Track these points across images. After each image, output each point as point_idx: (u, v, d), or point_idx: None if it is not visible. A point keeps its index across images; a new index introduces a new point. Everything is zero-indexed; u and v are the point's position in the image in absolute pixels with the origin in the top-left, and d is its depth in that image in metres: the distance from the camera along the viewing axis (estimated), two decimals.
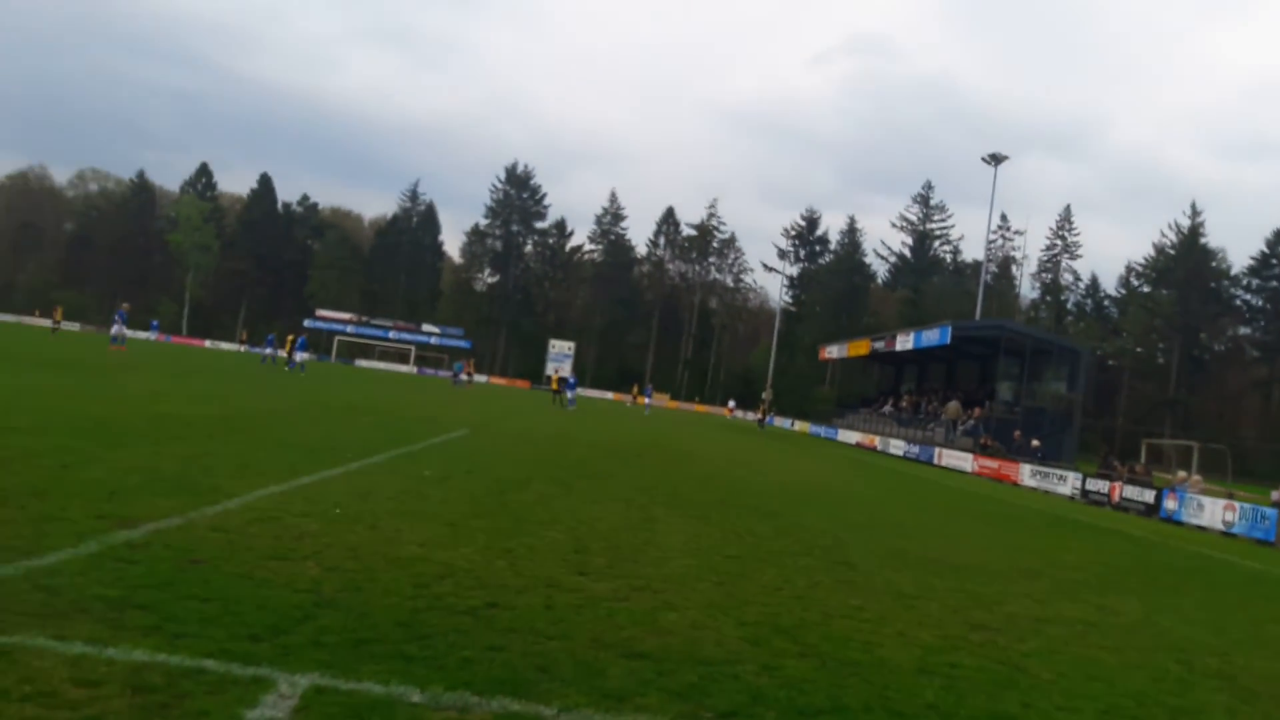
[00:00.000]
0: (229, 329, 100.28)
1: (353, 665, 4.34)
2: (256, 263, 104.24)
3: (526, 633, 5.26)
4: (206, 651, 4.24)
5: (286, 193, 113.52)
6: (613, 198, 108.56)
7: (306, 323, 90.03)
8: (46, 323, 78.69)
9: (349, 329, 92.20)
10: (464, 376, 61.30)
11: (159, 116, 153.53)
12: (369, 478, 10.65)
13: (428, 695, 4.09)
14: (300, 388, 30.27)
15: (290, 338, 47.46)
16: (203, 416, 15.34)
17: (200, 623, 4.65)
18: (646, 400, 60.98)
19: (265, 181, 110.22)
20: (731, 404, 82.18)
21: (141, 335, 66.09)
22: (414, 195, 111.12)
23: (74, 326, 76.67)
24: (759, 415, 59.76)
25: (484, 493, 10.66)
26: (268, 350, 47.19)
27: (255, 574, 5.74)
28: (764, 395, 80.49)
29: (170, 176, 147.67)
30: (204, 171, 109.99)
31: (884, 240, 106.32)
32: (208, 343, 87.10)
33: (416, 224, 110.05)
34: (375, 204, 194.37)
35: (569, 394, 45.96)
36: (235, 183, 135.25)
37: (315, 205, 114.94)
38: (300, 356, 44.58)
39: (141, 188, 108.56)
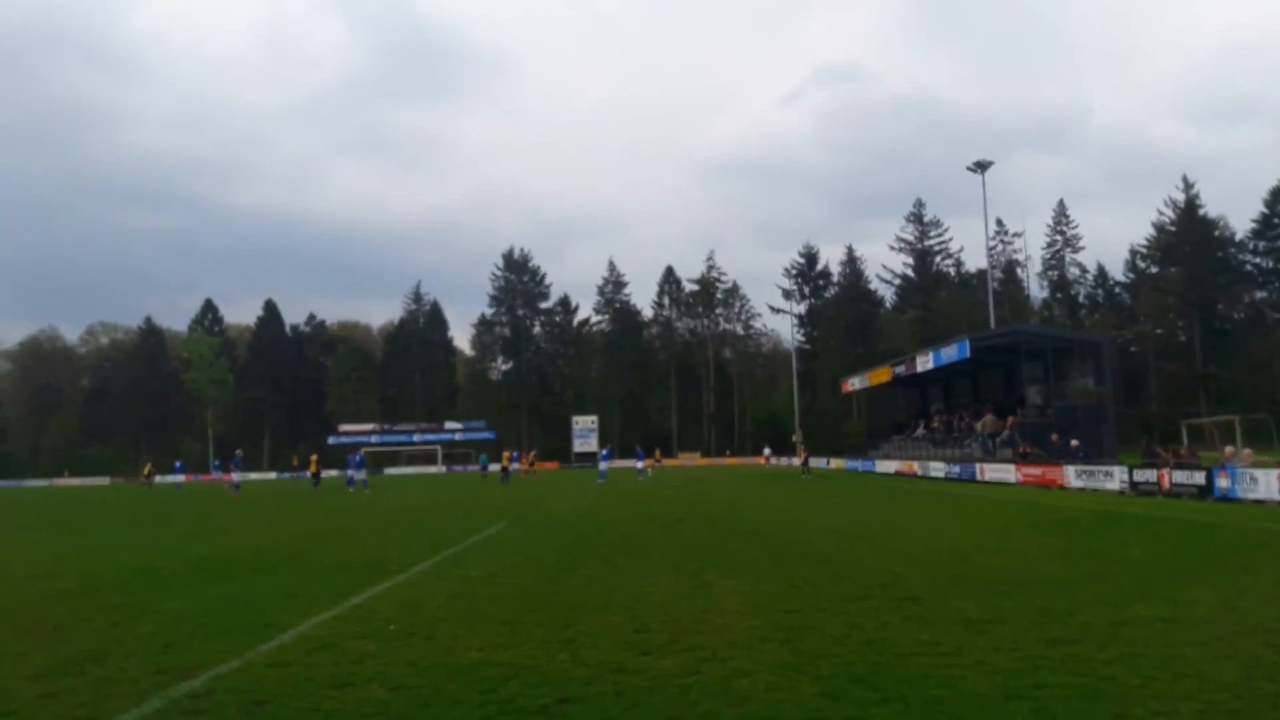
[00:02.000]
0: (255, 459, 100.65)
1: None
2: (273, 388, 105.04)
3: None
4: None
5: (293, 315, 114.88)
6: (611, 266, 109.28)
7: (330, 440, 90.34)
8: (76, 482, 79.50)
9: (373, 439, 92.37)
10: (515, 467, 56.12)
11: (159, 260, 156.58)
12: (417, 588, 10.59)
13: None
14: (334, 506, 30.27)
15: (314, 457, 46.90)
16: (243, 552, 15.35)
17: None
18: (639, 464, 50.38)
19: (270, 307, 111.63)
20: (767, 451, 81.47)
21: (170, 479, 66.56)
22: (418, 296, 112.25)
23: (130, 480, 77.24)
24: (801, 459, 54.75)
25: (533, 584, 10.57)
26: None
27: (322, 705, 5.68)
28: (794, 439, 79.89)
29: (177, 317, 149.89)
30: (209, 307, 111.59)
31: (885, 264, 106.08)
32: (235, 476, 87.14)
33: (424, 324, 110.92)
34: (381, 311, 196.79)
35: (602, 465, 46.53)
36: (241, 313, 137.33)
37: (323, 322, 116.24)
38: (361, 474, 43.02)
39: (150, 333, 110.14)
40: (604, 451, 50.79)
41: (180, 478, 58.89)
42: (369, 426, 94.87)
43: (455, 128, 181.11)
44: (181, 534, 20.05)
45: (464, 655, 6.96)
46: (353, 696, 5.89)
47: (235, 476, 44.77)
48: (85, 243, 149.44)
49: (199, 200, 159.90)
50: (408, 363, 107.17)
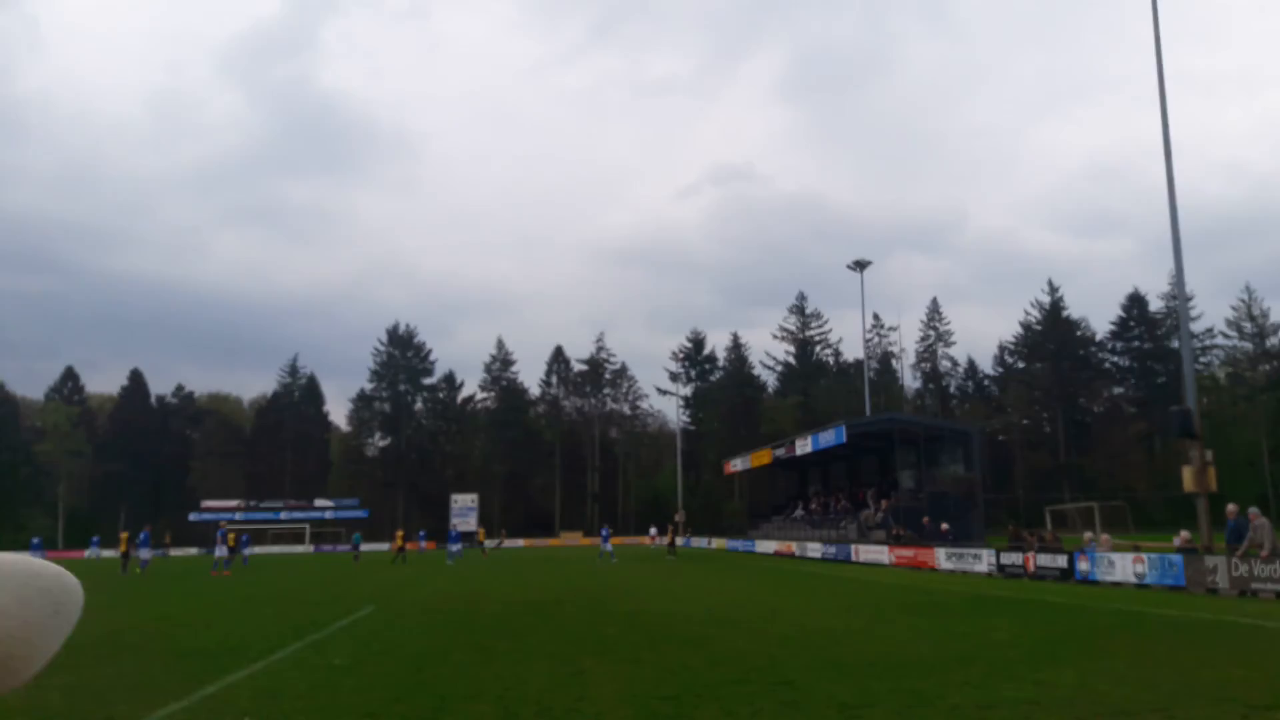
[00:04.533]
0: (110, 535, 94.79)
1: None
2: (133, 462, 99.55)
3: None
4: None
5: (160, 385, 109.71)
6: (499, 344, 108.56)
7: (191, 516, 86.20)
8: None
9: (236, 516, 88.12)
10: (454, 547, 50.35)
11: (18, 325, 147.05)
12: (276, 676, 10.04)
13: None
14: (189, 587, 28.66)
15: (123, 535, 42.68)
16: (88, 637, 14.29)
17: None
18: (605, 546, 46.41)
19: (136, 377, 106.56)
20: (653, 531, 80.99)
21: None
22: (294, 369, 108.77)
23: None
24: (667, 540, 52.31)
25: (400, 673, 10.14)
26: (92, 551, 39.65)
27: None
28: (676, 518, 79.86)
29: (34, 385, 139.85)
30: (69, 375, 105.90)
31: (768, 351, 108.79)
32: (86, 553, 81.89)
33: (299, 398, 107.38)
34: (255, 384, 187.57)
35: (454, 547, 48.06)
36: (105, 383, 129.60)
37: (191, 394, 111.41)
38: (145, 554, 39.72)
39: (2, 400, 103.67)
40: (453, 533, 51.12)
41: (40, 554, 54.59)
42: (233, 503, 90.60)
43: (347, 202, 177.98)
44: None
45: None
46: None
47: (241, 551, 39.75)
48: None
49: (70, 265, 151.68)
50: (280, 437, 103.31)
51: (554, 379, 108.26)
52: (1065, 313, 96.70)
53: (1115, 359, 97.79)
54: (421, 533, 60.89)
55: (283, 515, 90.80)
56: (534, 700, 8.40)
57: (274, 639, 13.28)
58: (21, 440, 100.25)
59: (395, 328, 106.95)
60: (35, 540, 58.74)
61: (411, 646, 12.49)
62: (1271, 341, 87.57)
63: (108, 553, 39.92)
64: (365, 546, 61.05)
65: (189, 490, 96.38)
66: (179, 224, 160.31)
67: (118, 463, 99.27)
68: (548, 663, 10.70)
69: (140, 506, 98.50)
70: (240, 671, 10.26)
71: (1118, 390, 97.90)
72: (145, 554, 40.27)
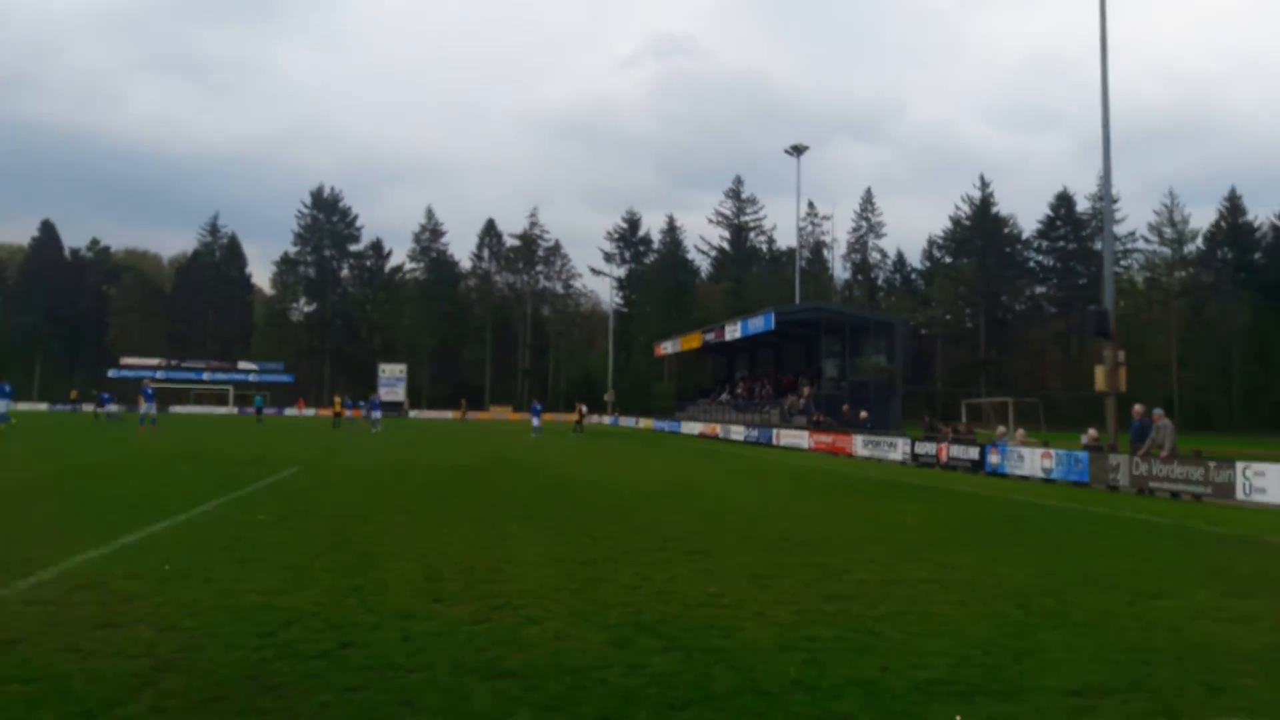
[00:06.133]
0: (23, 389, 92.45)
1: None
2: (46, 315, 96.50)
3: (385, 668, 5.07)
4: None
5: (74, 238, 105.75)
6: (429, 214, 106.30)
7: (111, 373, 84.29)
8: None
9: (158, 374, 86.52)
10: (349, 414, 53.41)
11: None
12: (198, 529, 10.07)
13: None
14: (113, 441, 28.30)
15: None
16: (4, 485, 14.09)
17: (25, 706, 4.28)
18: (535, 421, 46.28)
19: (48, 228, 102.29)
20: (583, 408, 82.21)
21: None
22: (214, 228, 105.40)
23: None
24: (576, 419, 54.85)
25: (324, 531, 10.24)
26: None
27: (81, 646, 5.32)
28: (606, 398, 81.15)
29: None
30: None
31: (703, 236, 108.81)
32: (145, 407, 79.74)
33: (220, 258, 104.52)
34: (174, 242, 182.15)
35: (376, 414, 47.38)
36: (14, 233, 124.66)
37: (107, 249, 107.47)
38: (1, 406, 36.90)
39: None
40: (374, 401, 51.34)
41: None
42: (154, 361, 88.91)
43: (268, 54, 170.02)
44: None
45: (244, 598, 6.66)
46: (117, 637, 5.54)
47: (146, 408, 38.98)
48: None
49: None
50: (201, 297, 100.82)
51: (485, 253, 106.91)
52: (995, 209, 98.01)
53: (1040, 258, 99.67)
54: (362, 402, 60.11)
55: (205, 376, 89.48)
56: (457, 560, 8.57)
57: (196, 494, 13.26)
58: None
59: (320, 190, 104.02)
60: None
61: (335, 506, 12.59)
62: (1189, 248, 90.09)
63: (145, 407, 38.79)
64: (290, 411, 60.50)
65: (108, 346, 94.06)
66: (91, 69, 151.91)
67: (30, 315, 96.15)
68: (472, 526, 10.90)
69: (56, 360, 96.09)
70: (161, 523, 10.25)
71: (1040, 289, 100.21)
72: (1, 406, 39.19)
